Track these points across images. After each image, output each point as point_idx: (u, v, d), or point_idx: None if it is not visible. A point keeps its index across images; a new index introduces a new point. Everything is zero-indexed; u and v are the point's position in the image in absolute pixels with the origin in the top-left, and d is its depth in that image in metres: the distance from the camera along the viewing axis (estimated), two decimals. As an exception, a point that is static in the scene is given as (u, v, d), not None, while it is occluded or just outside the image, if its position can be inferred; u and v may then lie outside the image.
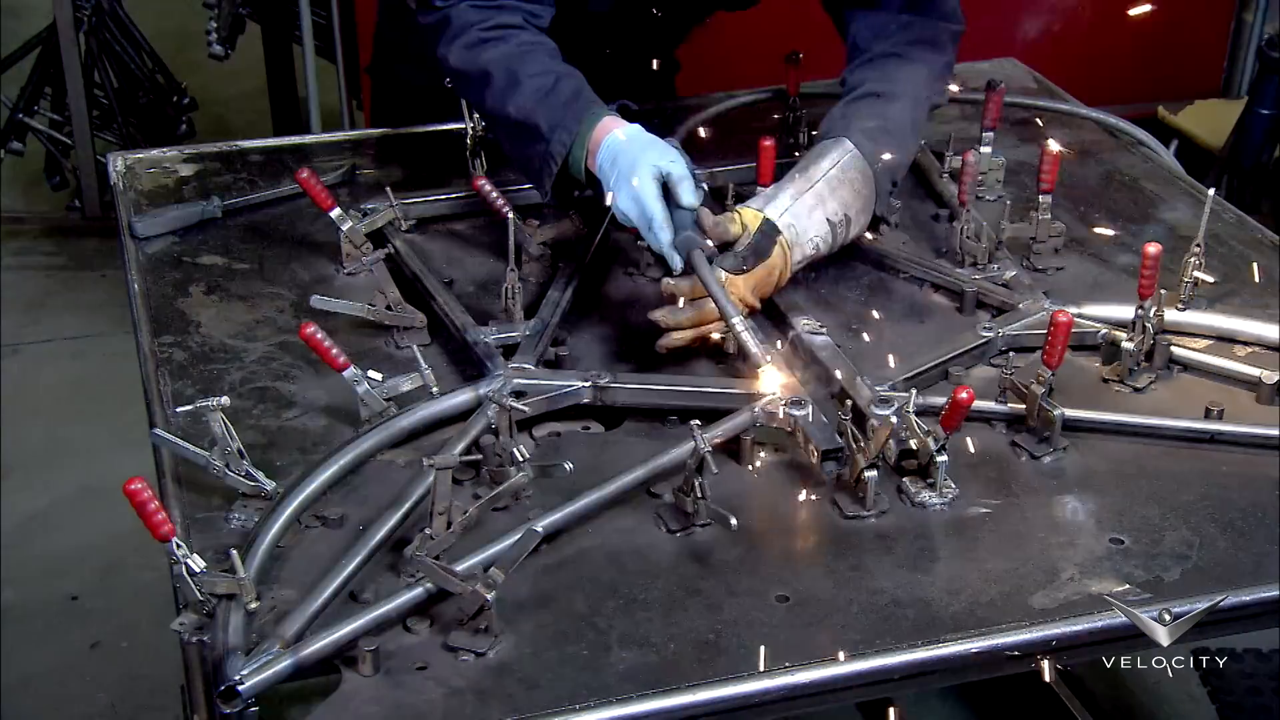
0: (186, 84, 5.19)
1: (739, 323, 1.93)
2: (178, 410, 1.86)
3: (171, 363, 2.02)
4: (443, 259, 2.30)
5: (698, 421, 1.74)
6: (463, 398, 1.91)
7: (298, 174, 2.25)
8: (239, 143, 2.63)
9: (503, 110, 2.16)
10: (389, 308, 2.09)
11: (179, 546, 1.55)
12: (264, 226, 2.38)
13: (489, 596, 1.52)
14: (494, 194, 2.29)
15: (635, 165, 2.00)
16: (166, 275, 2.25)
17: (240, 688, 1.44)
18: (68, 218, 4.98)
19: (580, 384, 1.93)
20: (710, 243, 2.00)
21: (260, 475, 1.75)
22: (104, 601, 3.43)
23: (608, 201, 2.05)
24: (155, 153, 2.61)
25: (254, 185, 2.49)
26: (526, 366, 1.96)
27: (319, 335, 1.87)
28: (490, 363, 1.97)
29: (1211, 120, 4.33)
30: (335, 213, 2.24)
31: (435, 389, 1.91)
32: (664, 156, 2.00)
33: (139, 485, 1.55)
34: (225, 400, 1.74)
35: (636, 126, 2.08)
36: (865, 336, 2.11)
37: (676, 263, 1.99)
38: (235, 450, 1.74)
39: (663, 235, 1.98)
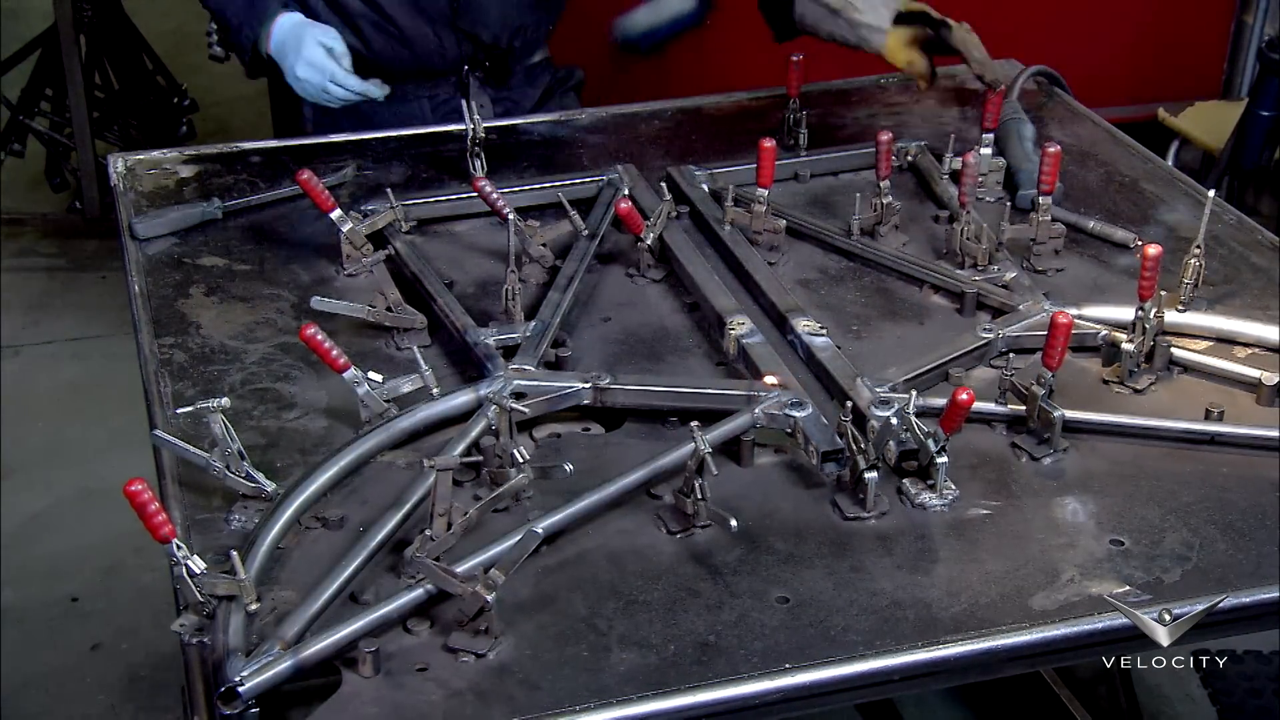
0: (187, 85, 5.19)
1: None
2: (178, 412, 1.86)
3: (172, 364, 2.02)
4: (443, 260, 2.30)
5: (697, 423, 1.74)
6: (463, 399, 1.91)
7: (298, 175, 2.25)
8: (239, 144, 2.63)
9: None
10: (389, 309, 2.09)
11: (179, 548, 1.56)
12: (264, 228, 2.38)
13: (489, 598, 1.52)
14: (494, 194, 2.29)
15: (302, 40, 2.57)
16: (167, 276, 2.25)
17: (240, 689, 1.44)
18: (68, 219, 4.98)
19: (580, 385, 1.93)
20: None
21: (260, 476, 1.75)
22: (104, 603, 3.44)
23: (288, 78, 2.61)
24: (156, 154, 2.61)
25: (254, 187, 2.49)
26: (527, 368, 1.96)
27: (319, 337, 1.87)
28: (490, 364, 1.97)
29: (1212, 122, 4.33)
30: (335, 214, 2.24)
31: (436, 390, 1.91)
32: (325, 34, 2.59)
33: (139, 487, 1.55)
34: (226, 402, 1.74)
35: (297, 15, 2.63)
36: (865, 338, 2.11)
37: (375, 92, 2.61)
38: (235, 451, 1.74)
39: (350, 80, 2.58)
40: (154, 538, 1.56)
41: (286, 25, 2.61)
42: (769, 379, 1.91)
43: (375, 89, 2.62)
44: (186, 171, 2.55)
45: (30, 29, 5.02)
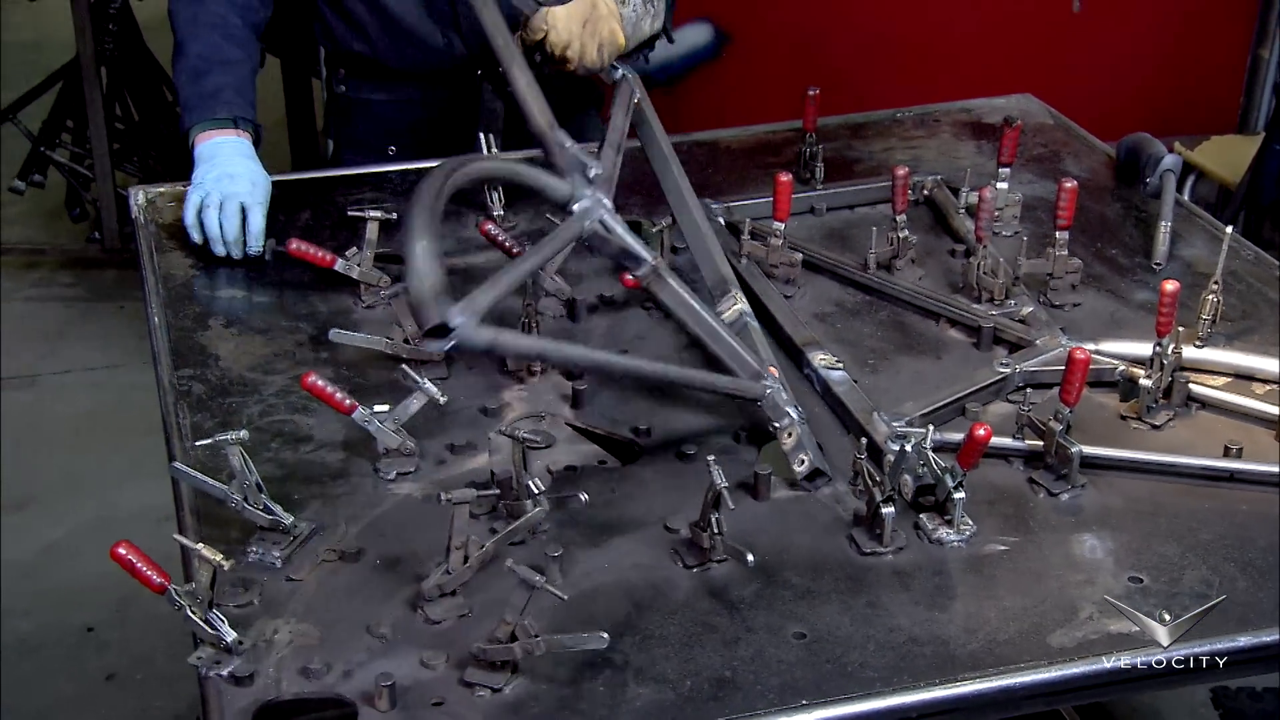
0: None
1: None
2: (197, 444, 1.86)
3: (191, 396, 2.03)
4: (460, 293, 2.30)
5: (714, 457, 1.74)
6: (560, 192, 1.85)
7: (288, 246, 2.25)
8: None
9: (173, 64, 2.57)
10: (407, 340, 2.09)
11: (177, 594, 1.56)
12: (283, 259, 2.39)
13: (519, 656, 1.52)
14: (500, 236, 2.29)
15: (209, 185, 2.38)
16: (186, 308, 2.26)
17: (453, 324, 1.51)
18: (87, 249, 5.01)
19: (646, 256, 1.91)
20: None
21: (278, 509, 1.75)
22: (119, 633, 3.44)
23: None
24: (178, 186, 2.62)
25: (273, 219, 2.49)
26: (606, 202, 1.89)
27: (320, 383, 1.87)
28: (576, 176, 1.88)
29: (1228, 156, 4.32)
30: (339, 264, 2.24)
31: (443, 400, 1.90)
32: (242, 188, 2.37)
33: (124, 550, 1.58)
34: (244, 434, 1.75)
35: (234, 149, 2.42)
36: (881, 372, 2.11)
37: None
38: (254, 484, 1.74)
39: (221, 249, 2.37)
40: (151, 590, 1.57)
41: (204, 152, 2.45)
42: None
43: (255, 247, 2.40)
44: (206, 204, 2.56)
45: (52, 61, 5.06)
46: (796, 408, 1.92)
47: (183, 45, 2.54)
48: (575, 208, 1.85)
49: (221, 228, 2.36)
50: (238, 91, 2.49)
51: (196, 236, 2.39)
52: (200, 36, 2.52)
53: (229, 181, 2.40)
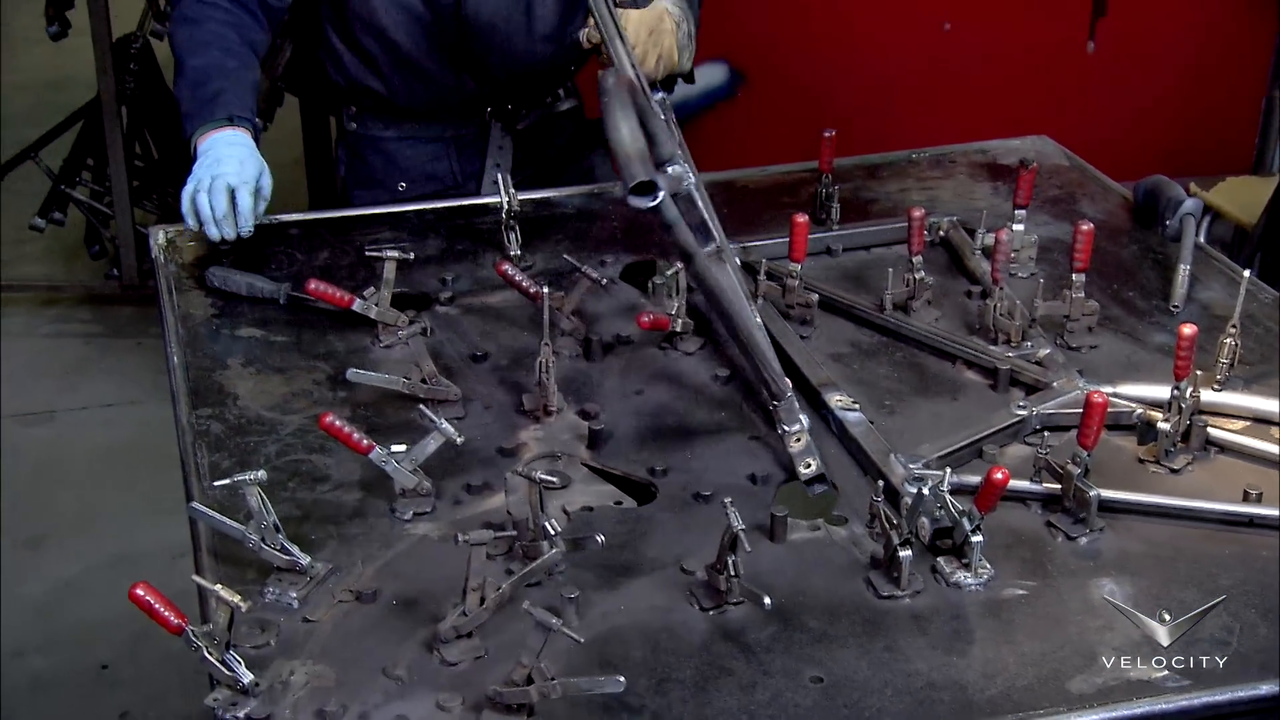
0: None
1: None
2: (214, 484, 1.87)
3: (209, 435, 2.04)
4: (477, 332, 2.31)
5: (730, 499, 1.73)
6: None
7: (306, 285, 2.26)
8: (277, 216, 2.65)
9: (174, 83, 2.63)
10: (424, 381, 2.10)
11: (195, 635, 1.56)
12: (301, 299, 2.40)
13: (535, 699, 1.52)
14: (517, 277, 2.30)
15: (201, 172, 2.45)
16: (205, 347, 2.27)
17: (661, 185, 1.63)
18: (105, 286, 5.04)
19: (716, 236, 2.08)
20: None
21: (295, 549, 1.75)
22: (133, 670, 3.43)
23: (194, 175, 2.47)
24: (196, 227, 2.64)
25: (291, 259, 2.51)
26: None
27: (338, 424, 1.88)
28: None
29: (1244, 197, 4.32)
30: (357, 304, 2.25)
31: (459, 440, 1.90)
32: (230, 169, 2.43)
33: (142, 591, 1.59)
34: (262, 475, 1.75)
35: (227, 140, 2.47)
36: (898, 413, 2.10)
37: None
38: (271, 524, 1.75)
39: (214, 230, 2.44)
40: (169, 631, 1.58)
41: (203, 147, 2.50)
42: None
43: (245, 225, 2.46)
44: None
45: (73, 100, 5.11)
46: (806, 416, 1.99)
47: (182, 63, 2.59)
48: (670, 170, 1.95)
49: (212, 209, 2.41)
50: (235, 95, 2.54)
51: (191, 222, 2.45)
52: (198, 53, 2.58)
53: (217, 164, 2.44)
